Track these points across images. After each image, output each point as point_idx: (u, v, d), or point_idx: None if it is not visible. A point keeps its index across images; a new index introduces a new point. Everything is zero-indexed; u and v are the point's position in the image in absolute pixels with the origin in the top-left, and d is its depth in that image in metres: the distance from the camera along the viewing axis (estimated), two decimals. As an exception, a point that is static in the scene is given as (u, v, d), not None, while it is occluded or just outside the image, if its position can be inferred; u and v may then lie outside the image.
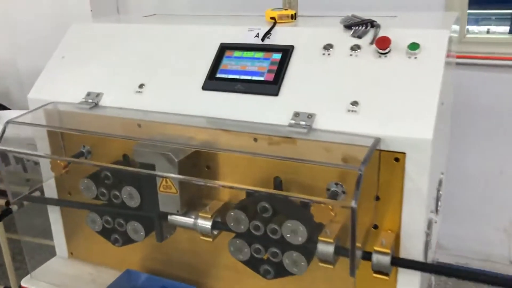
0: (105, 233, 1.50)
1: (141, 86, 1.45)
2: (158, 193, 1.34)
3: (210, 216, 1.33)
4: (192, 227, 1.35)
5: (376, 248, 1.16)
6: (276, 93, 1.29)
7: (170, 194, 1.32)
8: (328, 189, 1.23)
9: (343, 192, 1.22)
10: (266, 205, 1.24)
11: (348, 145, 1.16)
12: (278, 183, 1.29)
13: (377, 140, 1.13)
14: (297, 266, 1.24)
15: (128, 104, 1.44)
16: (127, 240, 1.48)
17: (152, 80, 1.45)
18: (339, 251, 1.18)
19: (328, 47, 1.32)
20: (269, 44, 1.39)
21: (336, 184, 1.23)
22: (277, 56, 1.36)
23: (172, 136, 1.36)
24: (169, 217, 1.38)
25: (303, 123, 1.21)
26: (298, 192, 1.27)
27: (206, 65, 1.42)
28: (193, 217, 1.35)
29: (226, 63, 1.40)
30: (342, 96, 1.22)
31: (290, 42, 1.37)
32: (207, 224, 1.32)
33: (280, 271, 1.28)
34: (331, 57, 1.30)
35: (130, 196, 1.38)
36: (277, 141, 1.26)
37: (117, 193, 1.40)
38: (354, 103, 1.20)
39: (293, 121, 1.22)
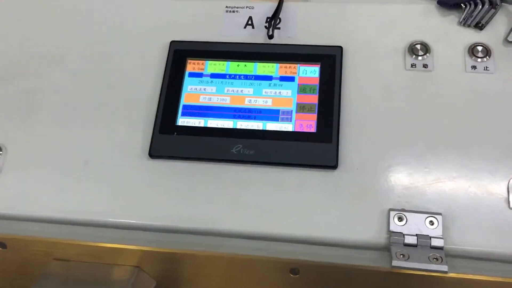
0: None
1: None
2: None
3: None
4: None
5: None
6: (334, 163, 0.57)
7: None
8: None
9: None
10: None
11: None
12: None
13: None
14: None
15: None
16: None
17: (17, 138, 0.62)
18: None
19: (419, 48, 0.63)
20: (285, 46, 0.65)
21: None
22: (312, 71, 0.63)
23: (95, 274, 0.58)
24: None
25: (426, 242, 0.52)
26: None
27: (147, 97, 0.64)
28: None
29: (192, 91, 0.63)
30: (491, 162, 0.56)
31: (329, 38, 0.64)
32: None
33: None
34: (433, 74, 0.62)
35: None
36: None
37: None
38: (522, 183, 0.54)
39: (403, 239, 0.53)
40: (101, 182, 0.59)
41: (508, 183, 0.54)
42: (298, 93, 0.62)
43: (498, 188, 0.55)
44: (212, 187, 0.58)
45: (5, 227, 0.60)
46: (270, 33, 0.65)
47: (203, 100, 0.62)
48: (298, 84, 0.62)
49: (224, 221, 0.56)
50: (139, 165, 0.60)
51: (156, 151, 0.60)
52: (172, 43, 0.66)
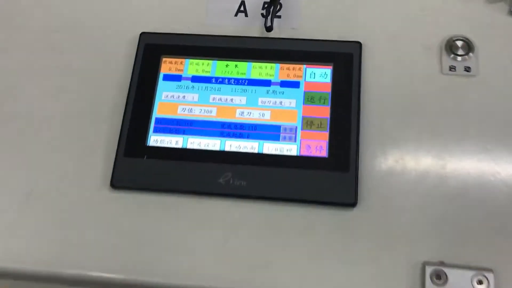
0: None
1: None
2: None
3: None
4: None
5: None
6: (352, 200, 0.44)
7: None
8: None
9: None
10: None
11: None
12: None
13: None
14: None
15: None
16: None
17: None
18: None
19: (459, 46, 0.49)
20: (287, 41, 0.51)
21: None
22: (321, 75, 0.49)
23: None
24: None
25: (475, 313, 0.40)
26: None
27: (109, 108, 0.49)
28: None
29: (167, 100, 0.49)
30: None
31: (343, 31, 0.50)
32: None
33: None
34: (478, 79, 0.48)
35: None
36: None
37: None
38: None
39: (444, 311, 0.40)
40: (47, 220, 0.46)
41: None
42: (304, 103, 0.48)
43: None
44: (192, 230, 0.44)
45: None
46: (269, 23, 0.50)
47: (181, 112, 0.48)
48: (304, 91, 0.48)
49: (206, 277, 0.43)
50: (98, 199, 0.46)
51: (120, 180, 0.46)
52: (143, 35, 0.52)
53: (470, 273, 0.41)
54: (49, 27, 0.54)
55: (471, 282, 0.41)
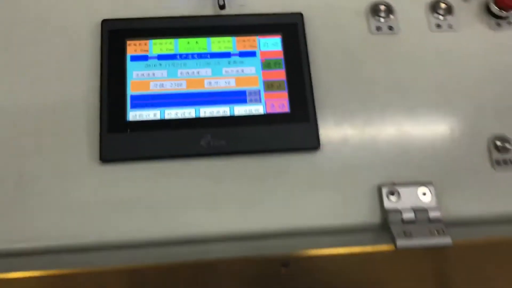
0: None
1: None
2: None
3: None
4: None
5: None
6: (315, 144, 0.52)
7: None
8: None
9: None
10: None
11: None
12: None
13: None
14: None
15: None
16: None
17: None
18: None
19: (382, 9, 0.59)
20: (240, 17, 0.57)
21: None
22: (273, 44, 0.56)
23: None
24: None
25: (424, 216, 0.50)
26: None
27: (84, 91, 0.53)
28: None
29: (138, 78, 0.54)
30: (469, 130, 0.54)
31: (286, 4, 0.58)
32: None
33: None
34: (400, 37, 0.58)
35: None
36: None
37: None
38: (501, 144, 0.54)
39: (402, 215, 0.50)
40: (43, 197, 0.49)
41: (488, 143, 0.54)
42: (262, 69, 0.55)
43: (479, 149, 0.54)
44: (182, 188, 0.50)
45: None
46: (221, 2, 0.56)
47: (154, 88, 0.53)
48: (261, 59, 0.55)
49: (201, 225, 0.49)
50: (90, 173, 0.50)
51: (109, 154, 0.50)
52: (104, 22, 0.55)
53: (416, 188, 0.51)
54: (12, 20, 0.55)
55: (417, 194, 0.51)
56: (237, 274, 0.53)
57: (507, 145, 0.53)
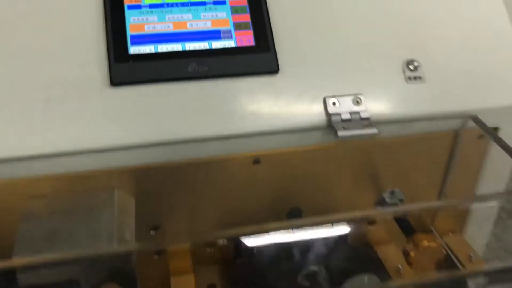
0: None
1: None
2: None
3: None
4: None
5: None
6: (275, 68, 0.69)
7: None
8: (381, 203, 0.78)
9: (401, 200, 0.79)
10: (316, 270, 0.71)
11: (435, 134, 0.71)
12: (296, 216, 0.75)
13: (474, 118, 0.71)
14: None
15: None
16: None
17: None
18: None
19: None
20: (212, -27, 0.73)
21: (392, 192, 0.78)
22: (239, -5, 0.72)
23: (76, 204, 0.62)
24: None
25: (357, 116, 0.68)
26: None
27: (92, 31, 0.67)
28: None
29: (135, 22, 0.68)
30: (389, 55, 0.72)
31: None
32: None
33: None
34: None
35: None
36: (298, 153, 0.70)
37: None
38: (412, 65, 0.72)
39: (341, 116, 0.67)
40: (68, 113, 0.62)
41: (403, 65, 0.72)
42: (232, 14, 0.71)
43: (396, 68, 0.72)
44: (175, 103, 0.65)
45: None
46: (197, -37, 0.72)
47: (148, 29, 0.68)
48: (230, 6, 0.71)
49: (193, 129, 0.65)
50: (104, 94, 0.64)
51: (117, 79, 0.65)
52: (103, -21, 0.69)
53: (351, 98, 0.69)
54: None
55: (353, 102, 0.68)
56: (218, 169, 0.69)
57: (415, 63, 0.71)
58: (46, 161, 0.62)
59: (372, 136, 0.66)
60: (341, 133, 0.65)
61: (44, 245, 0.57)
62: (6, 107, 0.62)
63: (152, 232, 0.71)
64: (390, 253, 0.80)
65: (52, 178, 0.63)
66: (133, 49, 0.66)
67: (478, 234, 0.86)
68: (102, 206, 0.65)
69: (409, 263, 0.72)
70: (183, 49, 0.67)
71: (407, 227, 0.75)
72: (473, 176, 0.77)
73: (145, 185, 0.67)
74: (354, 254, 0.78)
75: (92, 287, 0.57)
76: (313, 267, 0.71)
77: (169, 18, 0.69)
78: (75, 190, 0.65)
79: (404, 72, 0.72)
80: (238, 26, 0.70)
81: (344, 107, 0.68)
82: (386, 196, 0.79)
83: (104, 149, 0.62)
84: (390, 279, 0.77)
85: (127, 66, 0.65)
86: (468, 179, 0.77)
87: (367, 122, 0.67)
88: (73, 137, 0.62)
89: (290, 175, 0.71)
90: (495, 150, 0.72)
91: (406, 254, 0.72)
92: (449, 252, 0.77)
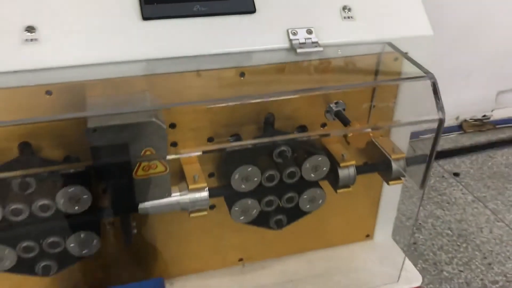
0: (22, 267, 0.98)
1: (30, 29, 0.90)
2: (134, 179, 0.93)
3: (204, 185, 1.02)
4: (182, 207, 1.01)
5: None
6: (253, 9, 1.01)
7: (156, 176, 0.94)
8: (328, 111, 1.11)
9: (344, 109, 1.12)
10: (285, 149, 1.03)
11: (362, 56, 1.05)
12: (271, 121, 1.07)
13: (391, 45, 1.05)
14: (314, 202, 1.12)
15: (11, 64, 0.88)
16: (65, 262, 1.02)
17: (49, 18, 0.91)
18: (364, 169, 1.11)
19: None
20: None
21: (336, 103, 1.11)
22: (227, -39, 1.03)
23: (125, 96, 0.93)
24: (143, 205, 0.99)
25: (309, 41, 1.00)
26: (293, 125, 1.10)
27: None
28: (180, 193, 1.01)
29: (156, -21, 0.99)
30: (331, 2, 1.05)
31: None
32: (204, 195, 1.02)
33: (291, 217, 1.14)
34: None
35: (74, 199, 0.92)
36: (273, 69, 1.02)
37: (46, 202, 0.91)
38: (347, 9, 1.05)
39: (299, 40, 1.00)
40: (115, 36, 0.93)
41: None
42: (223, -27, 1.02)
43: (335, 9, 1.04)
44: (186, 31, 0.96)
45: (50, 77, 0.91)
46: None
47: None
48: (221, -32, 1.03)
49: (198, 48, 0.96)
50: (138, 26, 0.95)
51: (148, 14, 0.96)
52: None
53: (305, 29, 1.01)
54: None
55: (306, 33, 1.01)
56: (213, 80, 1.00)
57: (349, 7, 1.04)
58: (97, 68, 0.92)
59: (319, 53, 0.99)
60: (299, 50, 0.98)
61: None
62: (70, 28, 0.92)
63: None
64: (337, 148, 1.13)
65: (105, 80, 0.94)
66: (156, -4, 0.98)
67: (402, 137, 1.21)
68: (141, 98, 0.96)
69: (348, 142, 1.05)
70: (190, -3, 0.99)
71: (344, 118, 1.08)
72: (392, 87, 1.11)
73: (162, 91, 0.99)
74: (312, 146, 1.11)
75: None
76: (284, 147, 1.03)
77: (179, -21, 1.01)
78: (117, 91, 0.95)
79: (341, 13, 1.05)
80: (227, -18, 1.02)
81: (300, 35, 1.00)
82: (333, 106, 1.12)
83: (138, 60, 0.93)
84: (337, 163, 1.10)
85: (153, 6, 0.96)
86: (389, 89, 1.11)
87: (315, 44, 1.00)
88: (119, 51, 0.92)
89: (266, 86, 1.03)
90: (406, 67, 1.06)
91: (345, 136, 1.05)
92: (376, 143, 1.11)
